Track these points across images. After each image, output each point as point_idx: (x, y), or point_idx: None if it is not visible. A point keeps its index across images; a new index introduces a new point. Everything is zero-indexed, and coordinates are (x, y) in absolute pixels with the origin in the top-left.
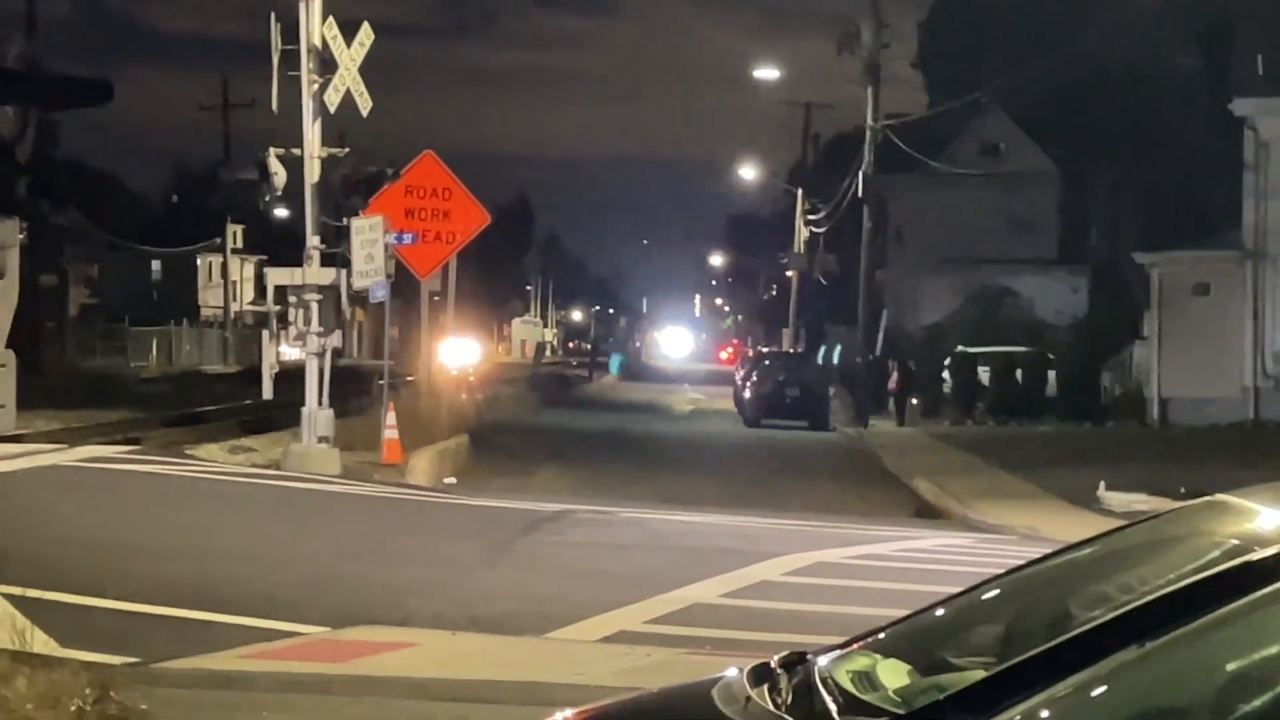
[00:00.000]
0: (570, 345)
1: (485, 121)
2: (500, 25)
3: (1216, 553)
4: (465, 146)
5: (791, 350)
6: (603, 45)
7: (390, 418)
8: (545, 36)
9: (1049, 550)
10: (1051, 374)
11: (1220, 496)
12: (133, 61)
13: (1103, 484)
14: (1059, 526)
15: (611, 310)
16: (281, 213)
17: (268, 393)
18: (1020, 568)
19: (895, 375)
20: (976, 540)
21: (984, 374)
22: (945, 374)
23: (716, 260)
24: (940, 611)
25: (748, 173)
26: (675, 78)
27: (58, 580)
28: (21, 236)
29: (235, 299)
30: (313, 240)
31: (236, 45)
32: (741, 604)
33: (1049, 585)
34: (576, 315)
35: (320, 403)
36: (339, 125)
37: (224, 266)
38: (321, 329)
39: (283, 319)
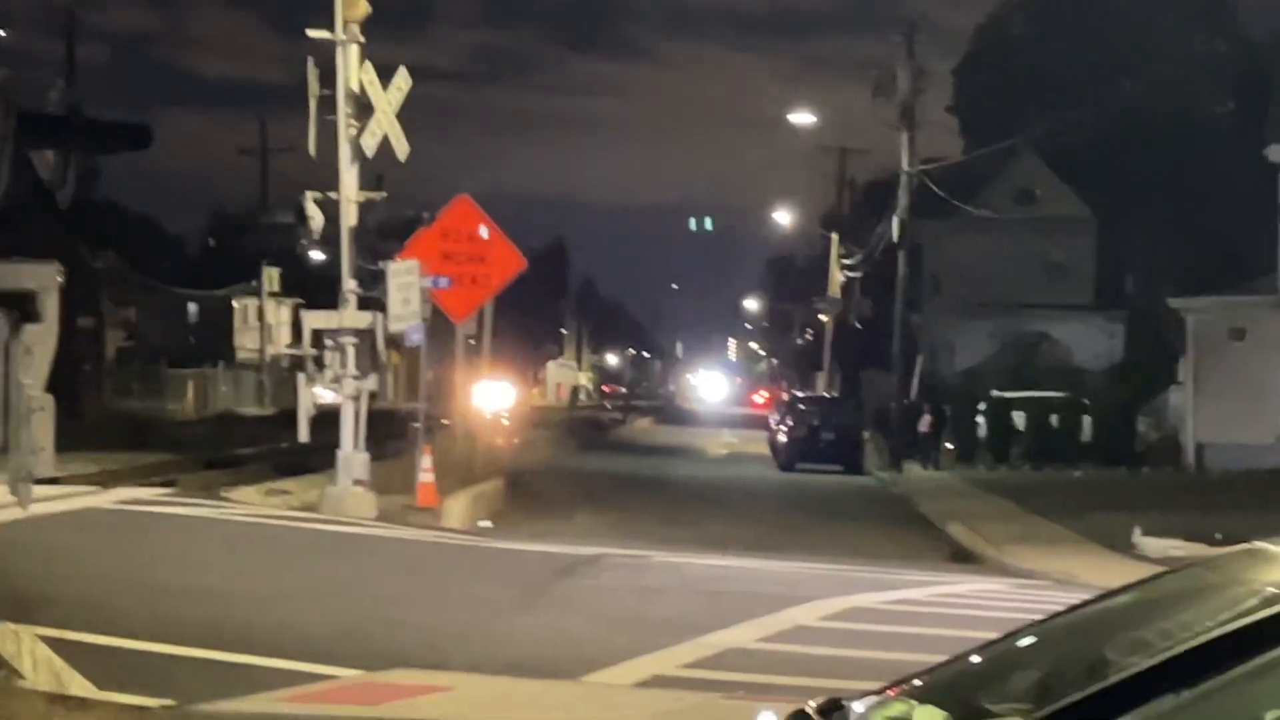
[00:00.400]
0: (605, 389)
1: (521, 166)
2: (535, 71)
3: (1255, 600)
4: (501, 191)
5: (826, 394)
6: (637, 91)
7: (426, 461)
8: (580, 82)
9: (1086, 596)
10: (1087, 419)
11: (1259, 544)
12: (171, 106)
13: (1139, 530)
14: (1095, 572)
15: (646, 354)
16: (317, 256)
17: (304, 435)
18: (1058, 614)
19: (927, 418)
20: (1012, 586)
21: (1019, 419)
22: (980, 419)
23: (751, 304)
24: (977, 658)
25: (783, 217)
26: (710, 123)
27: (95, 622)
28: (59, 280)
29: (271, 342)
30: (349, 284)
31: (274, 90)
32: (777, 649)
33: (1087, 632)
34: (611, 359)
35: (356, 446)
36: (376, 169)
37: (260, 309)
38: (358, 372)
39: (319, 362)
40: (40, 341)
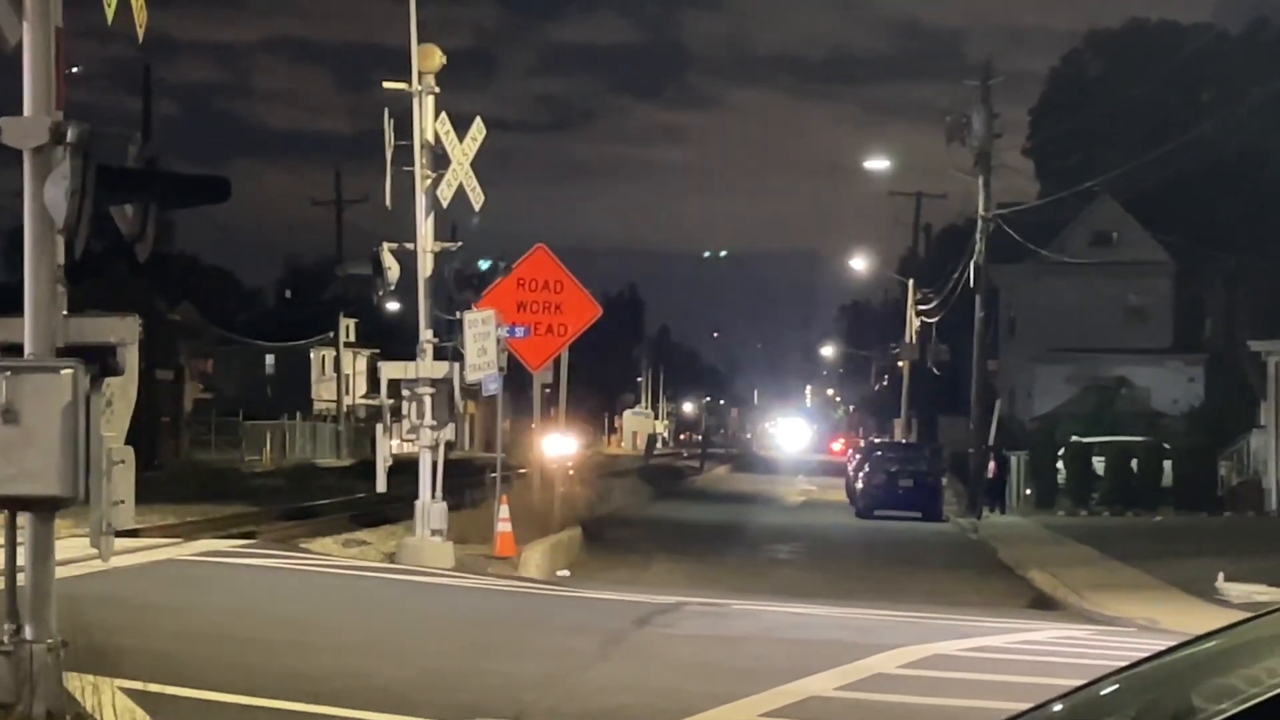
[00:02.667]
0: (681, 437)
1: (591, 215)
2: (600, 121)
3: None
4: (572, 239)
5: (904, 440)
6: (703, 139)
7: (503, 510)
8: (645, 131)
9: (1170, 643)
10: (1167, 464)
11: None
12: (240, 159)
13: (1221, 575)
14: (1178, 618)
15: (722, 401)
16: (393, 306)
17: (381, 486)
18: (1143, 660)
19: (993, 465)
20: (1094, 632)
21: (1099, 464)
22: (1060, 464)
23: (827, 350)
24: (1060, 706)
25: (859, 263)
26: (780, 170)
27: (176, 674)
28: (140, 332)
29: (348, 392)
30: (426, 334)
31: (342, 142)
32: (858, 697)
33: (1174, 678)
34: (687, 406)
35: (434, 496)
36: (449, 218)
37: (337, 360)
38: (435, 422)
39: (396, 412)
40: (121, 394)
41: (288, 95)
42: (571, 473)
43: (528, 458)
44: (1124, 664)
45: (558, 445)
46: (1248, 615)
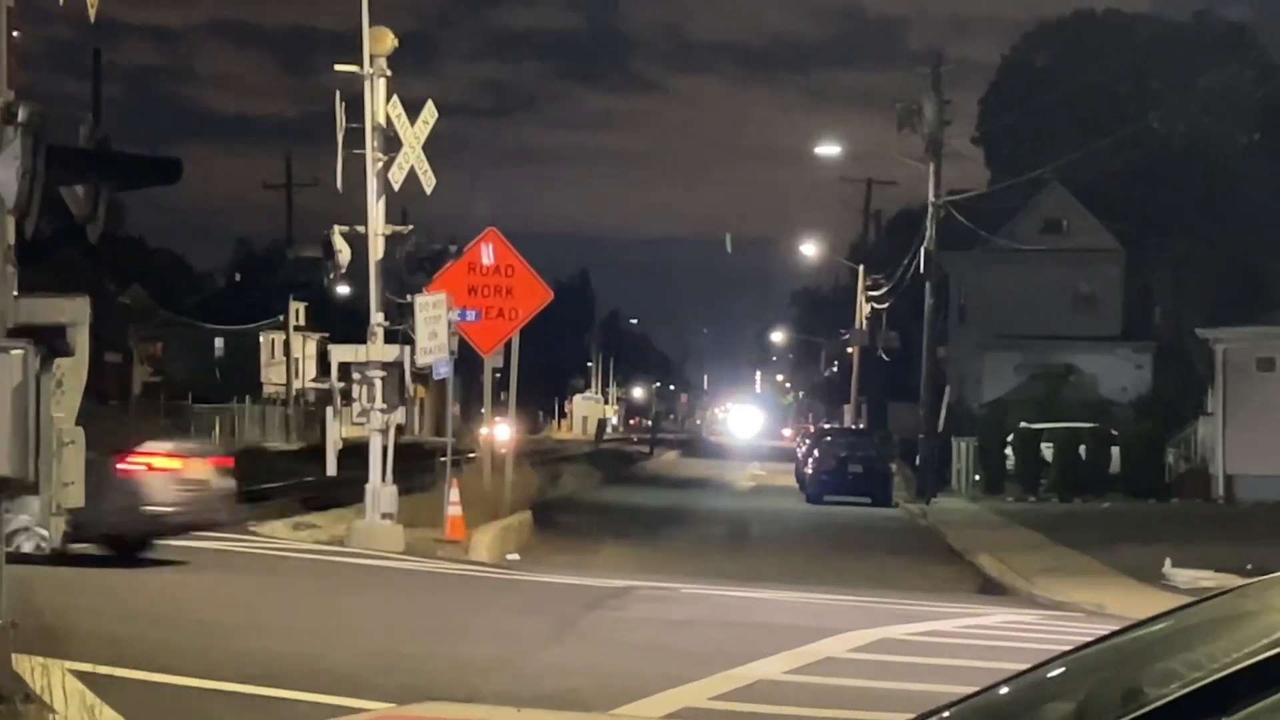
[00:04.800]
0: (631, 422)
1: (539, 200)
2: (545, 106)
3: None
4: (522, 224)
5: (854, 426)
6: (648, 125)
7: (454, 494)
8: (591, 117)
9: (1117, 627)
10: (1115, 450)
11: None
12: (186, 142)
13: (1168, 561)
14: (1125, 603)
15: (673, 387)
16: (343, 290)
17: (332, 469)
18: (1090, 644)
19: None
20: (1042, 617)
21: (1047, 450)
22: (1008, 450)
23: (778, 337)
24: (1007, 689)
25: (809, 249)
26: (725, 156)
27: (125, 656)
28: (90, 314)
29: (298, 376)
30: (377, 317)
31: (287, 125)
32: (807, 680)
33: (1120, 662)
34: (637, 392)
35: (384, 479)
36: (400, 203)
37: (286, 344)
38: (385, 405)
39: (347, 396)
40: (72, 375)
41: (232, 79)
42: (506, 456)
43: (477, 442)
44: (1071, 647)
45: (497, 431)
46: (1193, 600)
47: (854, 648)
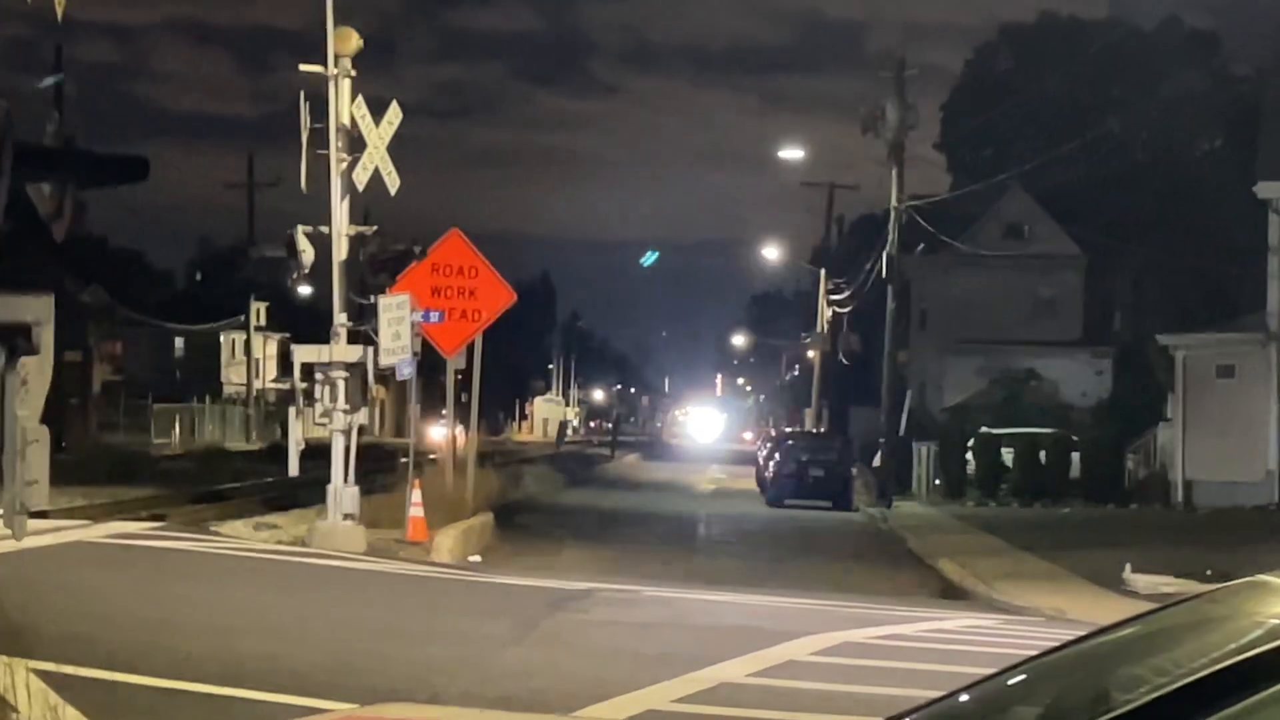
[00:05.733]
0: (592, 424)
1: (497, 201)
2: (504, 108)
3: (1259, 633)
4: (481, 225)
5: (815, 430)
6: (606, 127)
7: (416, 495)
8: (549, 119)
9: (1078, 633)
10: (1075, 456)
11: (1261, 577)
12: (154, 140)
13: (1129, 566)
14: (1086, 608)
15: (633, 389)
16: (305, 290)
17: (294, 469)
18: (1055, 649)
19: (879, 456)
20: (1002, 621)
21: (1008, 455)
22: (969, 455)
23: (738, 340)
24: (968, 695)
25: (770, 253)
26: (686, 159)
27: (88, 656)
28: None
29: (258, 376)
30: (340, 318)
31: (245, 124)
32: (769, 683)
33: (1085, 667)
34: (598, 394)
35: (346, 480)
36: (362, 204)
37: (247, 344)
38: (348, 406)
39: (309, 396)
40: (36, 373)
41: (190, 78)
42: (468, 458)
43: (438, 443)
44: (1035, 652)
45: (433, 432)
46: (1155, 606)
47: (816, 651)
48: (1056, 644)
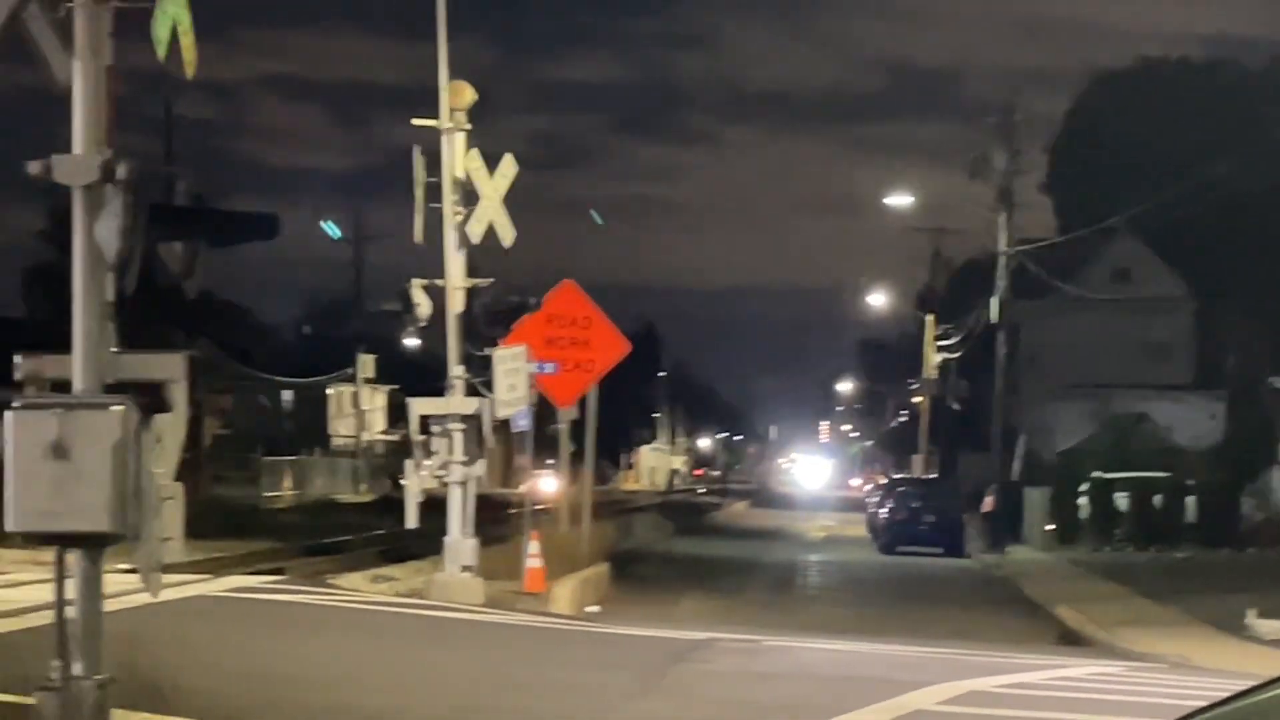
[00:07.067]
0: (697, 472)
1: (600, 251)
2: (599, 159)
3: None
4: (583, 276)
5: (924, 476)
6: (704, 177)
7: (533, 546)
8: (645, 169)
9: (1207, 680)
10: (1190, 500)
11: None
12: (248, 194)
13: (1253, 611)
14: (1210, 655)
15: (739, 437)
16: (412, 342)
17: (412, 521)
18: (1228, 699)
19: (989, 499)
20: (1127, 669)
21: (1121, 500)
22: (1082, 500)
23: (843, 386)
24: None
25: (876, 299)
26: (782, 207)
27: (216, 710)
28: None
29: (366, 428)
30: (456, 370)
31: (355, 178)
32: None
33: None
34: (704, 442)
35: (464, 531)
36: (469, 255)
37: (355, 396)
38: (465, 458)
39: (426, 448)
40: (170, 431)
41: (287, 133)
42: (583, 508)
43: (550, 494)
44: (1207, 704)
45: (542, 483)
46: None
47: (943, 700)
48: (1214, 698)
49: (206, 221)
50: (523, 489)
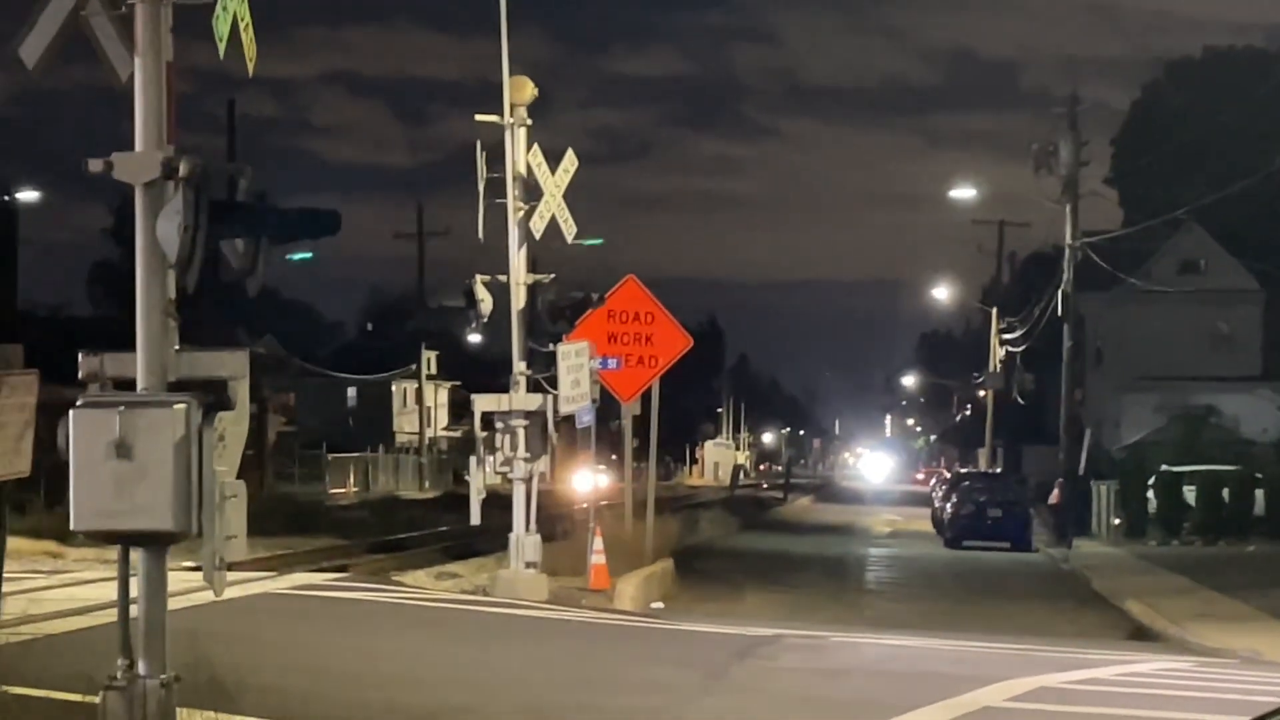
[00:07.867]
0: (761, 467)
1: (661, 246)
2: (659, 153)
3: None
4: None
5: (990, 470)
6: (765, 170)
7: (597, 543)
8: (706, 163)
9: (1276, 675)
10: (1259, 493)
11: None
12: (320, 192)
13: None
14: None
15: (803, 432)
16: (474, 339)
17: (476, 518)
18: None
19: (1057, 492)
20: (1197, 664)
21: (1189, 493)
22: (1150, 493)
23: (908, 380)
24: None
25: (940, 293)
26: (843, 199)
27: (283, 709)
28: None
29: (430, 425)
30: (519, 366)
31: (420, 174)
32: None
33: None
34: (767, 437)
35: (528, 528)
36: (531, 251)
37: (419, 392)
38: (529, 454)
39: (490, 444)
40: (233, 429)
41: (347, 130)
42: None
43: (612, 490)
44: (1237, 698)
45: (584, 480)
46: None
47: (1012, 697)
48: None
49: (269, 218)
50: (592, 485)
